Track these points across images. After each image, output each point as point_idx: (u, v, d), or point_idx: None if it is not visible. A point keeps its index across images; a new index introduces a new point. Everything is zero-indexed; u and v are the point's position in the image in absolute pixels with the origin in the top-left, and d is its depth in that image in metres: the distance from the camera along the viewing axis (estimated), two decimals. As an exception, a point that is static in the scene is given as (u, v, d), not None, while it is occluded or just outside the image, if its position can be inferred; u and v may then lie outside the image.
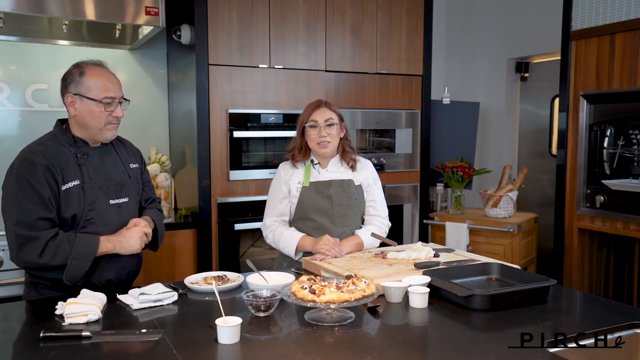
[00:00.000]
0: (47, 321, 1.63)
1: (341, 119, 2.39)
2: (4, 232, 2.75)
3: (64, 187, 1.88)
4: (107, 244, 1.92)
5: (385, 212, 2.51)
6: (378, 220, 2.47)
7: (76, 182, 1.91)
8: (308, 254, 2.32)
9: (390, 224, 2.52)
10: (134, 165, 2.13)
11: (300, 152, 2.39)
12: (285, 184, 2.39)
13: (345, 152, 2.41)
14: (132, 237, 1.96)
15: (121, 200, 2.02)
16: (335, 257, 2.22)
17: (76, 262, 1.85)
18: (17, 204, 1.84)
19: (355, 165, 2.43)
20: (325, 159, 2.41)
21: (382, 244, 2.43)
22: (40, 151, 1.89)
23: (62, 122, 2.03)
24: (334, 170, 2.41)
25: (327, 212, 2.36)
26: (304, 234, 2.34)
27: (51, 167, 1.86)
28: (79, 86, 1.91)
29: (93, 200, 1.93)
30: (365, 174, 2.46)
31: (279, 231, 2.36)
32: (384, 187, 3.76)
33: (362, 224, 2.49)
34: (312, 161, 2.41)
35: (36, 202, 1.83)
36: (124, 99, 2.00)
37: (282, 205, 2.39)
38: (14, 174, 1.86)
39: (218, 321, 1.47)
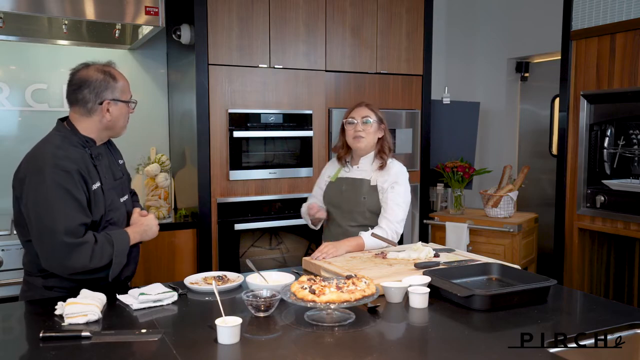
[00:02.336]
0: (47, 321, 1.63)
1: (381, 120, 2.53)
2: (4, 233, 2.79)
3: (92, 190, 1.90)
4: (135, 236, 1.99)
5: (396, 217, 2.44)
6: (386, 223, 2.43)
7: (98, 184, 1.93)
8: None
9: (399, 231, 2.46)
10: (122, 161, 2.18)
11: (343, 149, 2.60)
12: (322, 176, 2.70)
13: (382, 152, 2.54)
14: (153, 224, 2.06)
15: (125, 198, 2.08)
16: (334, 256, 2.24)
17: (119, 259, 1.90)
18: (58, 211, 1.79)
19: (385, 166, 2.53)
20: (359, 156, 2.56)
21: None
22: (65, 156, 1.85)
23: (62, 120, 2.00)
24: (363, 169, 2.56)
25: (338, 206, 2.56)
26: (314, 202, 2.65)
27: (82, 171, 1.86)
28: (115, 91, 1.94)
29: (111, 200, 1.97)
30: (385, 177, 2.50)
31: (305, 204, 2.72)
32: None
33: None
34: (347, 161, 2.61)
35: (76, 208, 1.82)
36: None
37: (317, 193, 2.70)
38: (46, 181, 1.80)
39: (218, 321, 1.47)
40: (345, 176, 2.59)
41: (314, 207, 2.57)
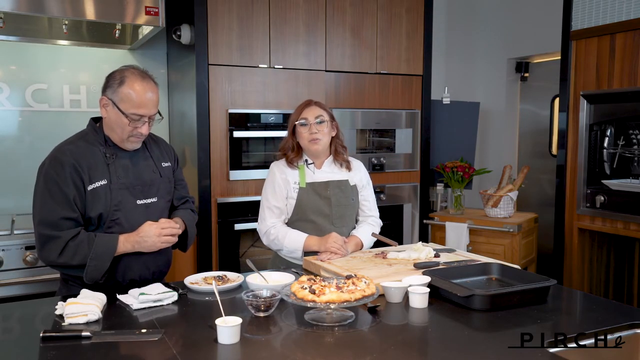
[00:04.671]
0: (47, 321, 1.63)
1: (332, 118, 2.39)
2: (4, 233, 2.79)
3: (90, 187, 1.89)
4: (126, 244, 1.92)
5: (377, 212, 2.56)
6: (373, 220, 2.51)
7: (103, 182, 1.92)
8: (310, 254, 2.32)
9: (382, 223, 2.57)
10: (166, 164, 2.12)
11: (293, 151, 2.38)
12: (283, 183, 2.37)
13: (338, 153, 2.42)
14: (150, 236, 1.93)
15: (149, 200, 2.01)
16: (342, 256, 2.23)
17: (95, 263, 1.86)
18: (43, 202, 1.86)
19: (350, 165, 2.45)
20: (319, 159, 2.41)
21: (382, 244, 2.43)
22: (69, 150, 1.91)
23: (96, 121, 2.04)
24: (329, 171, 2.41)
25: (325, 213, 2.37)
26: (307, 234, 2.32)
27: (78, 166, 1.87)
28: (115, 94, 1.91)
29: (119, 200, 1.94)
30: (360, 175, 2.49)
31: (283, 231, 2.33)
32: (383, 187, 3.80)
33: (356, 224, 2.51)
34: (306, 161, 2.41)
35: (60, 201, 1.85)
36: (159, 112, 1.99)
37: (282, 204, 2.37)
38: (42, 173, 1.89)
39: (218, 321, 1.47)
40: (319, 180, 2.37)
41: (338, 239, 2.24)
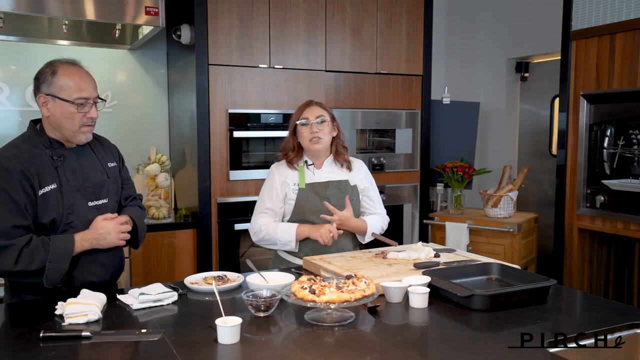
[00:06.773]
0: (47, 321, 1.63)
1: (333, 118, 2.40)
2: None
3: (40, 192, 1.82)
4: (84, 243, 1.87)
5: (384, 210, 2.56)
6: (380, 218, 2.52)
7: (53, 186, 1.85)
8: (306, 248, 2.34)
9: (388, 219, 2.57)
10: (112, 164, 2.07)
11: (294, 151, 2.39)
12: (281, 186, 2.38)
13: (339, 153, 2.43)
14: (110, 232, 1.91)
15: (100, 202, 1.97)
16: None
17: (54, 265, 1.80)
18: None
19: (351, 165, 2.45)
20: (319, 159, 2.41)
21: (382, 244, 2.43)
22: (14, 155, 1.83)
23: (36, 123, 1.97)
24: (329, 171, 2.41)
25: (325, 213, 2.36)
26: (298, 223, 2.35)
27: (27, 172, 1.80)
28: (51, 86, 1.84)
29: (72, 203, 1.88)
30: (361, 175, 2.48)
31: (273, 226, 2.34)
32: (384, 187, 3.80)
33: None
34: (305, 162, 2.41)
35: (11, 209, 1.77)
36: (100, 98, 1.93)
37: (276, 207, 2.38)
38: None
39: (218, 321, 1.47)
40: (319, 180, 2.38)
41: (328, 232, 2.27)
